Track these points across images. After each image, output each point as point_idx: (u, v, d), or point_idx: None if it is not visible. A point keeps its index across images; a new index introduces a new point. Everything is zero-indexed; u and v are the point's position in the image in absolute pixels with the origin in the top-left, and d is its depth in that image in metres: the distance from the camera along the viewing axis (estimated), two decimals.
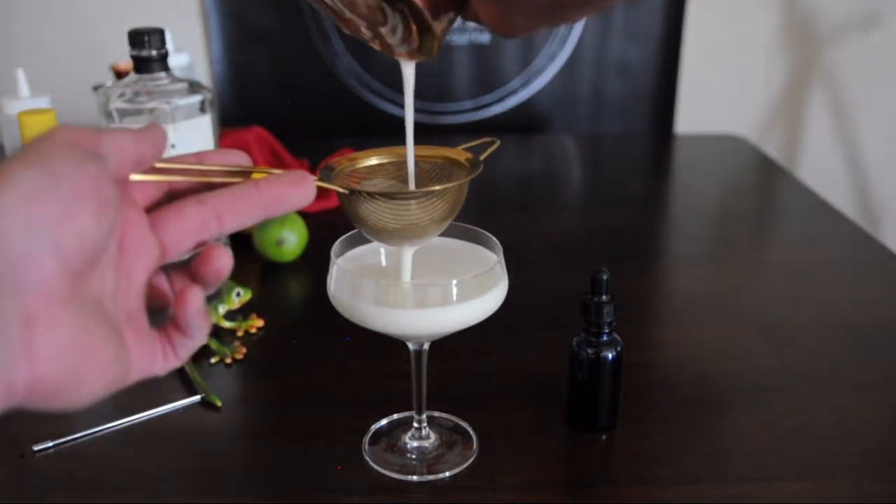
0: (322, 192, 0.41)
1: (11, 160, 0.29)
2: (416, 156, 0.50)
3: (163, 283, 0.37)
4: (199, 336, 0.36)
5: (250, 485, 0.58)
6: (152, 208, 0.36)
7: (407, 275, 0.53)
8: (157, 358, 0.35)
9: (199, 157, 0.39)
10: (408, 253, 0.53)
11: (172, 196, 0.37)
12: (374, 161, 0.52)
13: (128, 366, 0.33)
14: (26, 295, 0.28)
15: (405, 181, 0.50)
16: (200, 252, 0.36)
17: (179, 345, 0.36)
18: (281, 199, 0.37)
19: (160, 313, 0.37)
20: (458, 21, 0.42)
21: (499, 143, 0.54)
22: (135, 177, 0.35)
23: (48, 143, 0.30)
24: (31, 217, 0.28)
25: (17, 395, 0.29)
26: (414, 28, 0.41)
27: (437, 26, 0.40)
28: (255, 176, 0.38)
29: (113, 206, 0.31)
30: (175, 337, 0.36)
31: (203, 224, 0.36)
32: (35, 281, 0.28)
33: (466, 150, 0.52)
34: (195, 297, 0.35)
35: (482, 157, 0.51)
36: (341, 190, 0.46)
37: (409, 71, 0.48)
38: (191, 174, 0.38)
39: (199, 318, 0.35)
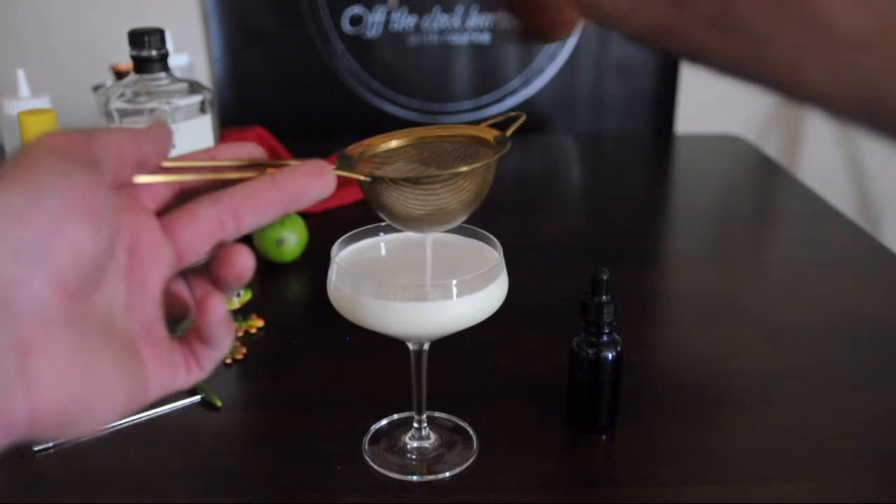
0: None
1: None
2: (437, 135, 0.48)
3: (181, 289, 0.35)
4: (223, 346, 0.34)
5: (250, 485, 0.58)
6: (164, 211, 0.34)
7: (428, 273, 0.52)
8: (178, 371, 0.33)
9: (209, 153, 0.36)
10: (428, 249, 0.52)
11: (185, 197, 0.35)
12: (393, 144, 0.49)
13: (144, 383, 0.31)
14: (20, 321, 0.26)
15: (427, 163, 0.48)
16: (220, 254, 0.33)
17: (203, 356, 0.34)
18: (300, 191, 0.34)
19: (181, 322, 0.35)
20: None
21: (524, 117, 0.50)
22: (140, 179, 0.33)
23: (32, 155, 0.28)
24: (17, 239, 0.26)
25: (18, 429, 0.27)
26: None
27: None
28: (269, 169, 0.36)
29: (109, 215, 0.29)
30: (198, 347, 0.34)
31: (220, 224, 0.33)
32: (28, 305, 0.26)
33: (490, 126, 0.49)
34: (217, 305, 0.33)
35: (508, 133, 0.48)
36: (362, 178, 0.43)
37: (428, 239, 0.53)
38: (201, 172, 0.35)
39: (222, 327, 0.33)
